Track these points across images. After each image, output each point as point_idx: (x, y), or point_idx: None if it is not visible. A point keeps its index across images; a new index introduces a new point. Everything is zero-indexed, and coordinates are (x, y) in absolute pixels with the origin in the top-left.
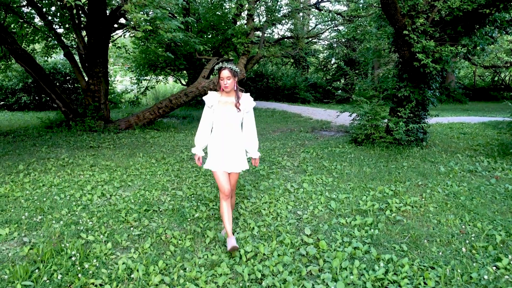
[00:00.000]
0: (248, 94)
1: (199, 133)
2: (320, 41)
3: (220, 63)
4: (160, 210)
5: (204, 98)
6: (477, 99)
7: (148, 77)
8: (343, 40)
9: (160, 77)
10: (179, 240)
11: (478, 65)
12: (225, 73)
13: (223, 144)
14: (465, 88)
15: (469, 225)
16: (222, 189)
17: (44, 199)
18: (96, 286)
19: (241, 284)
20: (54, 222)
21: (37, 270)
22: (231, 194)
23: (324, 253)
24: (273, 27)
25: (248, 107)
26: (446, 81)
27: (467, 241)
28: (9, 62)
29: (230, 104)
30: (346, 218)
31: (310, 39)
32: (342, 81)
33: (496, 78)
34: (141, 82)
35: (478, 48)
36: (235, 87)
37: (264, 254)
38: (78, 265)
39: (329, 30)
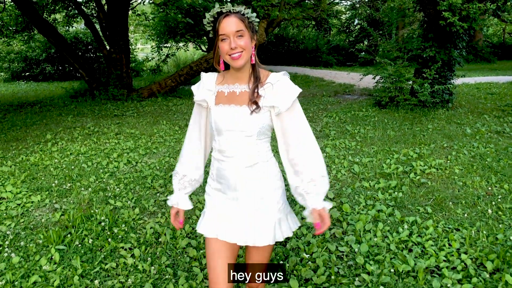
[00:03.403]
0: (283, 73)
1: (181, 159)
2: (342, 1)
3: (216, 6)
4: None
5: (193, 87)
6: (507, 57)
7: (168, 45)
8: (366, 0)
9: (181, 44)
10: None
11: (508, 22)
12: (230, 24)
13: (227, 184)
14: (494, 47)
15: (496, 186)
16: (212, 281)
17: (72, 167)
18: (125, 250)
19: None
20: (83, 189)
21: (69, 235)
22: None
23: (348, 216)
24: None
25: (281, 101)
26: (474, 39)
27: (493, 203)
28: (32, 33)
29: (240, 98)
30: (370, 182)
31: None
32: (366, 42)
33: None
34: (162, 50)
35: (508, 3)
36: (253, 59)
37: None
38: (108, 230)
39: None
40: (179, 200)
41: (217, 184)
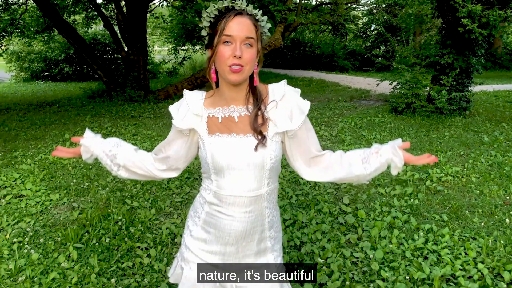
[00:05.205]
0: (284, 82)
1: (136, 153)
2: (360, 6)
3: (223, 1)
4: (200, 178)
5: (172, 109)
6: None
7: (185, 47)
8: (384, 6)
9: (197, 47)
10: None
11: None
12: (242, 26)
13: (218, 235)
14: None
15: None
16: None
17: (90, 166)
18: (142, 249)
19: None
20: (100, 188)
21: (86, 234)
22: None
23: (363, 222)
24: None
25: (295, 122)
26: (493, 47)
27: (511, 212)
28: (52, 34)
29: (241, 125)
30: (385, 188)
31: (349, 4)
32: (382, 48)
33: None
34: (178, 52)
35: None
36: (256, 80)
37: (302, 222)
38: (124, 230)
39: None
40: (88, 140)
41: (203, 232)
